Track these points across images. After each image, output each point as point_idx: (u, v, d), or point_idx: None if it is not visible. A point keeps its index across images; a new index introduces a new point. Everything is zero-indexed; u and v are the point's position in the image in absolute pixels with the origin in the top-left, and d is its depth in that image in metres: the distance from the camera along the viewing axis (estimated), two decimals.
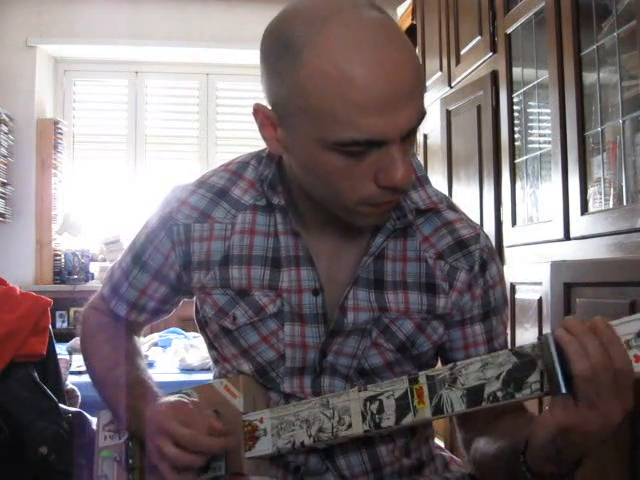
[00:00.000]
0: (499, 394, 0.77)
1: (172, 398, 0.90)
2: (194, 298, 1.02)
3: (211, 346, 1.03)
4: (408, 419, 0.81)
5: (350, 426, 0.84)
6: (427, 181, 0.97)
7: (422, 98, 0.78)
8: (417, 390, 0.81)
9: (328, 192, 0.82)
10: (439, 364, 1.01)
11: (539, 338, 0.74)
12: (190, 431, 0.84)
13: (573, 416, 0.71)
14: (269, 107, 0.82)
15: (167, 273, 0.99)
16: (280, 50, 0.77)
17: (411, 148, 0.81)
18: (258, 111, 0.82)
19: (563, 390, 0.71)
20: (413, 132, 0.79)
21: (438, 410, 0.80)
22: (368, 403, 0.83)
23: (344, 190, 0.80)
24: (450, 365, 0.80)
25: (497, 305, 0.97)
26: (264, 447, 0.88)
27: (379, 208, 0.83)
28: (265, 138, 0.84)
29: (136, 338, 1.09)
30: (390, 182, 0.77)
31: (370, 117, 0.73)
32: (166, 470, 0.85)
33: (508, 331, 1.02)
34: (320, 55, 0.73)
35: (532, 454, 0.77)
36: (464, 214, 0.99)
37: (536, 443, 0.75)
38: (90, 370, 1.06)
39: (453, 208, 0.98)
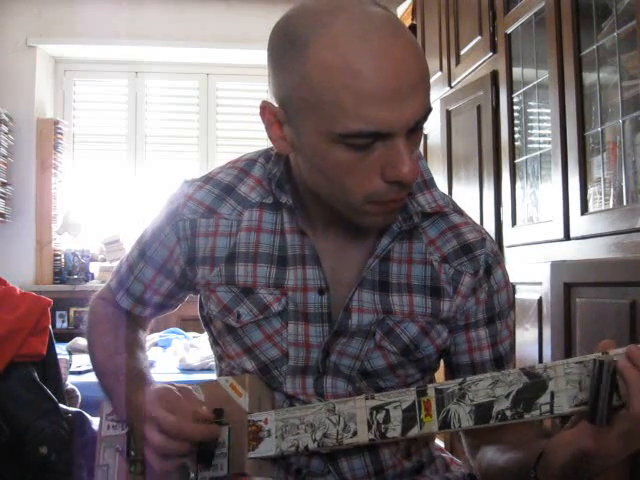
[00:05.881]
0: (508, 413, 0.76)
1: (160, 385, 0.90)
2: (198, 295, 1.02)
3: (215, 343, 1.03)
4: (414, 431, 0.80)
5: (355, 434, 0.83)
6: (433, 184, 0.96)
7: (428, 93, 0.78)
8: (425, 403, 0.80)
9: (335, 190, 0.82)
10: (442, 366, 1.01)
11: (597, 361, 0.72)
12: (174, 417, 0.82)
13: (601, 444, 0.71)
14: (276, 105, 0.82)
15: (172, 268, 1.00)
16: (286, 46, 0.77)
17: (417, 146, 0.81)
18: (265, 109, 0.82)
19: (604, 422, 0.70)
20: (419, 128, 0.78)
21: (445, 425, 0.79)
22: (374, 412, 0.82)
23: (350, 187, 0.79)
24: (459, 380, 0.80)
25: (502, 310, 0.97)
26: (268, 448, 0.88)
27: (385, 207, 0.82)
28: (272, 138, 0.84)
29: (141, 331, 1.09)
30: (396, 176, 0.77)
31: (376, 108, 0.73)
32: (150, 457, 0.84)
33: None
34: (326, 47, 0.73)
35: (546, 471, 0.76)
36: (470, 218, 0.99)
37: (555, 462, 0.75)
38: (92, 359, 1.06)
39: (459, 212, 0.98)
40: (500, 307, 0.96)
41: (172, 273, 1.00)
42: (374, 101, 0.73)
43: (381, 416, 0.82)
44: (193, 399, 0.87)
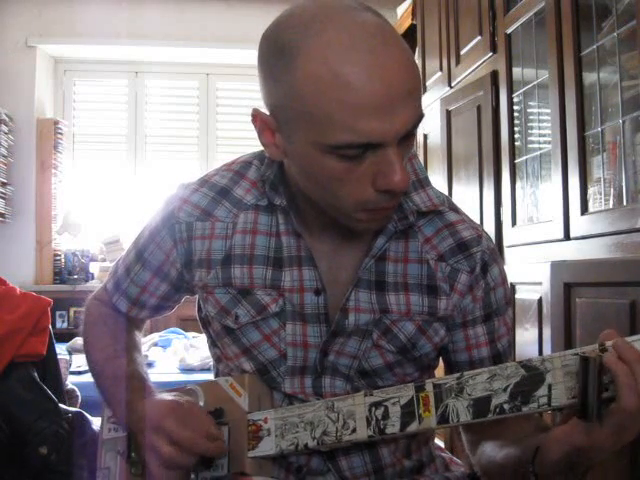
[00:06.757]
0: (506, 406, 0.76)
1: (168, 397, 0.90)
2: (196, 296, 1.02)
3: (213, 344, 1.03)
4: (413, 427, 0.81)
5: (354, 431, 0.83)
6: (428, 183, 0.97)
7: (419, 100, 0.78)
8: (423, 398, 0.81)
9: (327, 197, 0.82)
10: (441, 364, 1.01)
11: (582, 357, 0.72)
12: (189, 432, 0.84)
13: (594, 439, 0.71)
14: (267, 112, 0.82)
15: (168, 271, 1.00)
16: (276, 55, 0.77)
17: (408, 152, 0.81)
18: (256, 117, 0.82)
19: (594, 418, 0.70)
20: (410, 135, 0.78)
21: (443, 419, 0.79)
22: (373, 408, 0.83)
23: (342, 195, 0.80)
24: (457, 374, 0.80)
25: (499, 307, 0.97)
26: (267, 447, 0.88)
27: (377, 214, 0.83)
28: (264, 144, 0.84)
29: (137, 332, 1.10)
30: (387, 185, 0.77)
31: (366, 120, 0.72)
32: (154, 466, 0.85)
33: None
34: (315, 58, 0.73)
35: (542, 465, 0.77)
36: (466, 215, 0.99)
37: (549, 457, 0.75)
38: (89, 360, 1.06)
39: (455, 209, 0.98)
40: (497, 304, 0.96)
41: (168, 276, 1.01)
42: (364, 113, 0.72)
43: (380, 412, 0.82)
44: (204, 417, 0.88)
